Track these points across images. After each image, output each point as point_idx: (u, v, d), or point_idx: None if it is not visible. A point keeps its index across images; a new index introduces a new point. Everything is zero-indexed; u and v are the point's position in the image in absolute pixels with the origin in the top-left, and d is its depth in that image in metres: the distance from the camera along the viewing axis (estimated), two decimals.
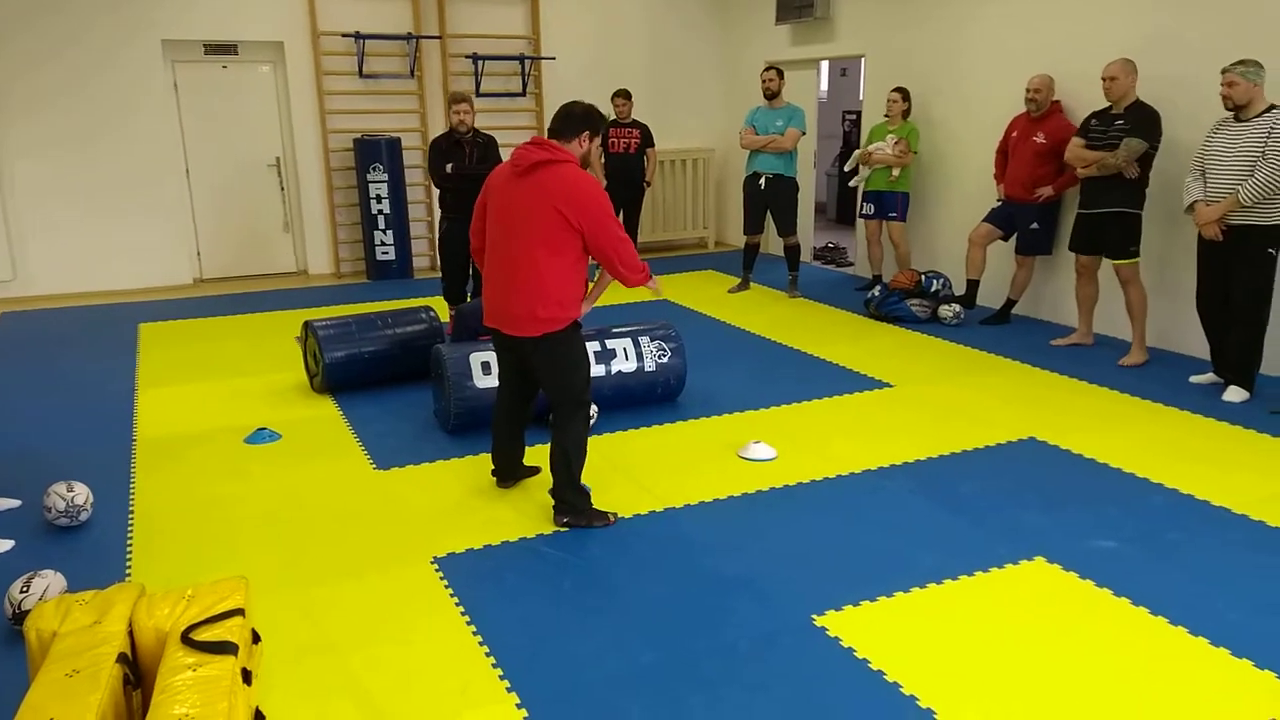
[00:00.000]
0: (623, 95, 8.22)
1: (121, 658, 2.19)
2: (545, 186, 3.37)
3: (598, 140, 3.60)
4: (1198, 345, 5.50)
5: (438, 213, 6.59)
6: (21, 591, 2.92)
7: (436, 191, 6.45)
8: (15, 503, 3.84)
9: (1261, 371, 5.10)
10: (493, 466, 4.00)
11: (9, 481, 3.98)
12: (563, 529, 3.63)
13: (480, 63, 8.87)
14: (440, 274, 6.47)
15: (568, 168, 3.40)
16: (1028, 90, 6.27)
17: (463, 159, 6.05)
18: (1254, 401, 4.95)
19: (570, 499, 3.65)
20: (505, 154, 6.18)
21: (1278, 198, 4.72)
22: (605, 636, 2.93)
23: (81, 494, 3.64)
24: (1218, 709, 2.55)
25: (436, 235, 6.53)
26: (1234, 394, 5.00)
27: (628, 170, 8.29)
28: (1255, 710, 2.54)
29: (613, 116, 8.24)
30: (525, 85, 9.20)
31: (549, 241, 3.38)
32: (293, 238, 8.89)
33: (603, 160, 8.26)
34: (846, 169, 7.84)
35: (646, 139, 8.30)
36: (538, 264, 3.39)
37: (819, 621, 2.98)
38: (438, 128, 8.62)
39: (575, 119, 3.49)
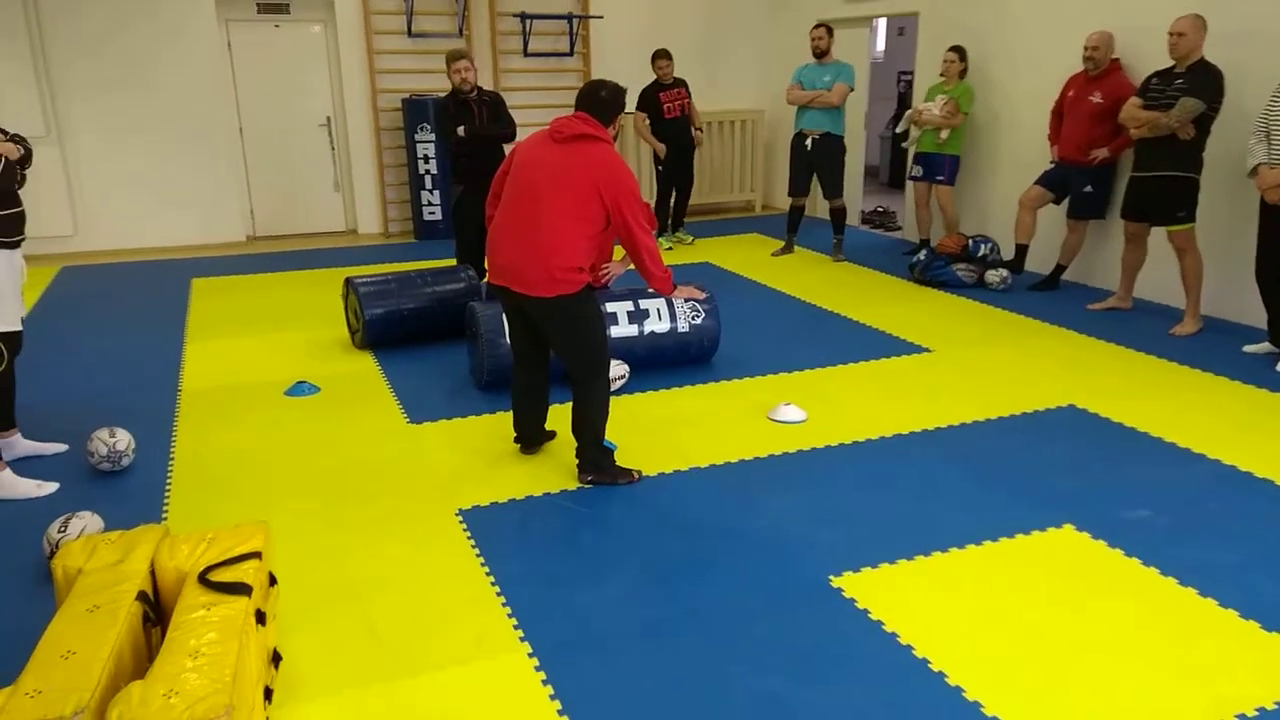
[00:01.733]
0: (664, 55, 7.88)
1: (141, 596, 2.27)
2: (586, 158, 3.38)
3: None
4: (1255, 314, 5.29)
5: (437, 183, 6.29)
6: (60, 531, 3.03)
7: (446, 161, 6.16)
8: (63, 447, 3.98)
9: None
10: (515, 434, 3.97)
11: (58, 427, 4.12)
12: (587, 485, 3.66)
13: (528, 22, 8.83)
14: (455, 246, 6.20)
15: (608, 148, 3.44)
16: (1085, 48, 6.04)
17: (473, 120, 5.86)
18: None
19: (594, 457, 3.67)
20: (517, 115, 6.15)
21: None
22: (621, 591, 2.95)
23: (124, 440, 3.76)
24: (1245, 681, 2.49)
25: (452, 204, 6.20)
26: None
27: (683, 132, 8.02)
28: None
29: (654, 79, 7.95)
30: (573, 45, 9.14)
31: (578, 208, 3.38)
32: (343, 197, 9.00)
33: (648, 123, 8.03)
34: (899, 130, 7.66)
35: (689, 95, 8.06)
36: (563, 227, 3.38)
37: (836, 582, 2.97)
38: (485, 88, 8.60)
39: (610, 105, 3.47)
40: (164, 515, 3.46)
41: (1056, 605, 2.86)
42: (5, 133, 3.64)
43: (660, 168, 8.17)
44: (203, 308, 6.35)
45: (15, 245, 3.63)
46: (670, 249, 8.06)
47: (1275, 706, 2.40)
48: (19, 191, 3.63)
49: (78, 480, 3.72)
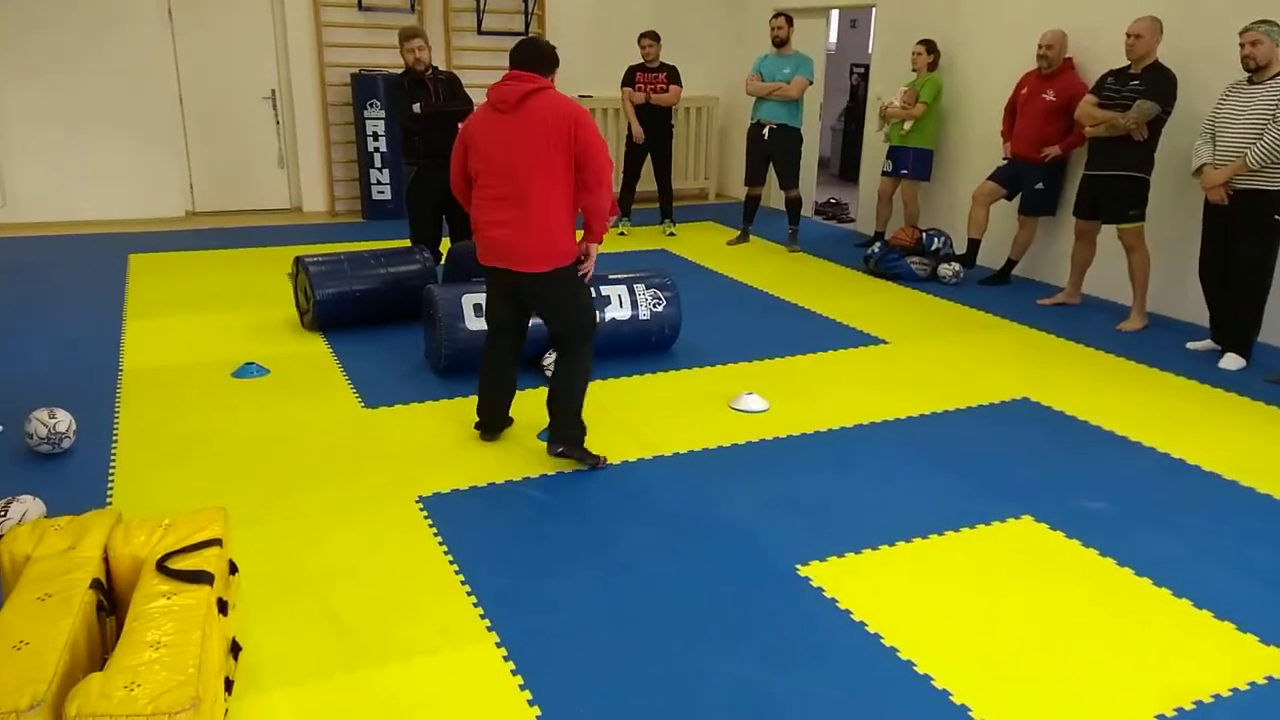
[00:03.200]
0: (651, 36, 7.75)
1: (95, 583, 2.16)
2: (542, 113, 3.33)
3: None
4: (1197, 311, 5.44)
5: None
6: (0, 516, 2.89)
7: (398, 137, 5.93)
8: None
9: (1259, 340, 5.05)
10: (480, 419, 3.88)
11: None
12: (553, 469, 3.61)
13: None
14: (410, 227, 6.01)
15: (555, 94, 3.40)
16: (1039, 46, 6.13)
17: (429, 97, 5.70)
18: (1250, 369, 4.92)
19: (571, 432, 3.64)
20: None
21: None
22: (588, 579, 2.91)
23: (64, 421, 3.60)
24: (1199, 670, 2.55)
25: (405, 186, 6.02)
26: (1231, 361, 4.96)
27: (657, 115, 7.85)
28: (1235, 672, 2.54)
29: (639, 60, 7.82)
30: (528, 24, 9.00)
31: (553, 170, 3.35)
32: (287, 173, 8.75)
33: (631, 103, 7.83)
34: (872, 129, 7.66)
35: (674, 81, 7.84)
36: (550, 197, 3.36)
37: (803, 571, 2.97)
38: (437, 65, 8.44)
39: (551, 58, 3.46)
40: (109, 500, 3.32)
41: (1019, 594, 2.90)
42: None
43: (631, 144, 7.98)
44: (141, 285, 6.12)
45: None
46: (623, 234, 8.03)
47: (1230, 693, 2.46)
48: None
49: (15, 463, 3.56)
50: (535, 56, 3.41)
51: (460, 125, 5.72)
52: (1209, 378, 4.82)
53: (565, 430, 3.63)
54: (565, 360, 3.62)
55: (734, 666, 2.52)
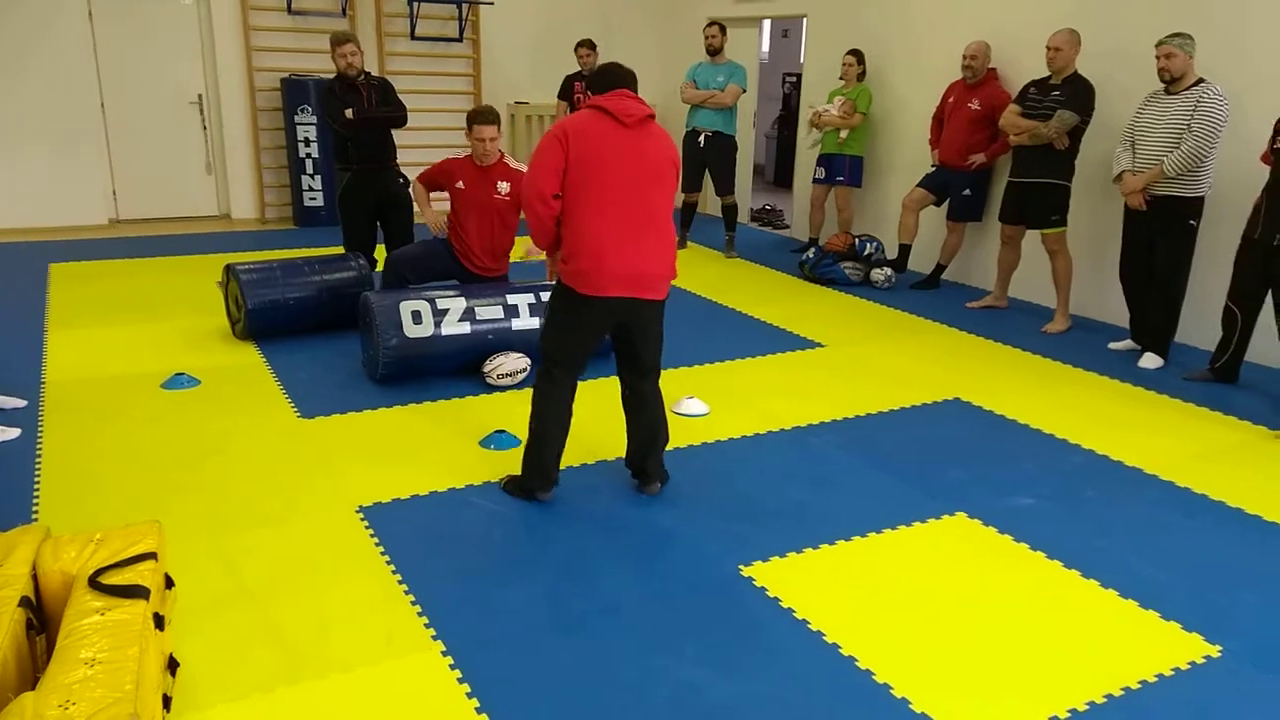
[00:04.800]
0: (587, 45, 7.79)
1: (24, 601, 2.09)
2: (660, 140, 3.27)
3: None
4: (1118, 313, 5.65)
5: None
6: None
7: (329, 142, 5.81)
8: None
9: (1176, 340, 5.27)
10: (544, 477, 3.40)
11: None
12: (495, 475, 3.59)
13: (416, 4, 8.60)
14: (343, 233, 5.88)
15: (657, 123, 3.36)
16: (964, 56, 6.31)
17: (361, 103, 5.62)
18: (1168, 368, 5.12)
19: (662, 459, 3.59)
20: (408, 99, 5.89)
21: (1201, 170, 4.85)
22: (534, 586, 2.91)
23: None
24: (1127, 657, 2.65)
25: (338, 192, 5.89)
26: (1150, 361, 5.16)
27: None
28: (1160, 659, 2.65)
29: (576, 69, 7.89)
30: (462, 31, 8.96)
31: (668, 194, 3.30)
32: (215, 180, 8.55)
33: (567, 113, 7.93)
34: (803, 135, 7.79)
35: None
36: (669, 218, 3.31)
37: (746, 572, 3.01)
38: (369, 70, 8.34)
39: (634, 79, 3.34)
40: (34, 516, 3.21)
41: (955, 589, 2.97)
42: None
43: None
44: (64, 295, 5.93)
45: None
46: None
47: (1155, 679, 2.57)
48: None
49: None
50: (631, 79, 3.29)
51: (395, 131, 5.73)
52: (1129, 376, 5.01)
53: (662, 460, 3.55)
54: (650, 391, 3.49)
55: (680, 668, 2.54)
